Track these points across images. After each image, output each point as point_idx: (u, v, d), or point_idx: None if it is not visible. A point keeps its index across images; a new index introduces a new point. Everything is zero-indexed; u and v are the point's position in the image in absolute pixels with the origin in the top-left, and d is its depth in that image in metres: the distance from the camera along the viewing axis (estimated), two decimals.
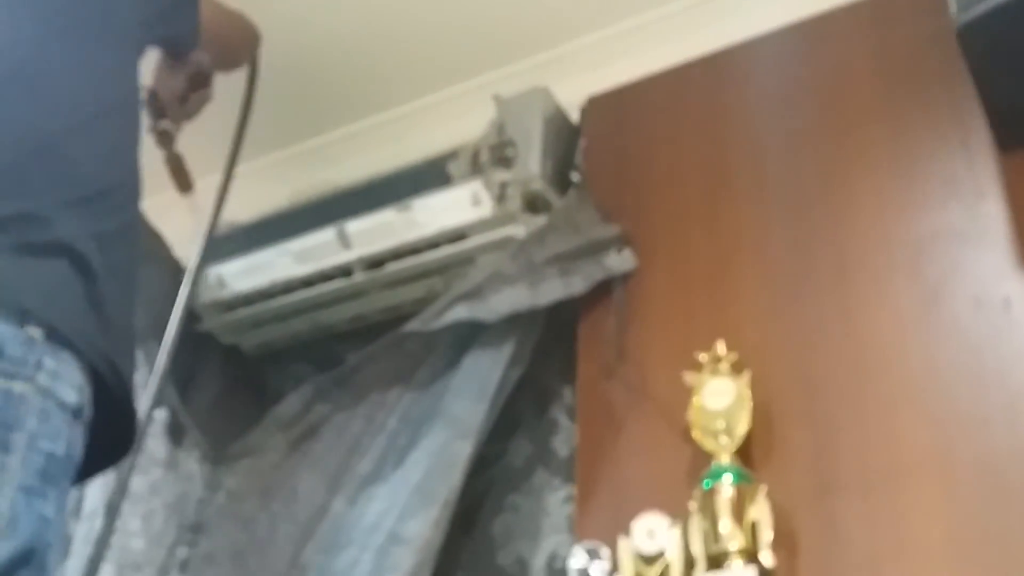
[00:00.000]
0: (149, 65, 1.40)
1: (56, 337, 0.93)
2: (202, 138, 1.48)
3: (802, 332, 1.32)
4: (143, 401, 1.32)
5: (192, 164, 1.49)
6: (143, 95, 1.39)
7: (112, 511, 1.36)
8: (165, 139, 1.44)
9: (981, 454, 1.17)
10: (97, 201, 1.03)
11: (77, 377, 0.94)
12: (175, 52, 1.36)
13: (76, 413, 0.94)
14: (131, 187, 1.12)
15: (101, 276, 0.99)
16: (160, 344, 1.41)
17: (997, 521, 1.12)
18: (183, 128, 1.46)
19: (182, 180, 1.48)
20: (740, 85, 1.54)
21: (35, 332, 0.92)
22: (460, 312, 1.39)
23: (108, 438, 1.00)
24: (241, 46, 1.49)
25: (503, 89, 1.62)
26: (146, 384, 1.36)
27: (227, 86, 1.50)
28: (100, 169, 1.06)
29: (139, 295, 1.36)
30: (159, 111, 1.42)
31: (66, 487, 0.93)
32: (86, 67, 1.09)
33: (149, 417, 1.37)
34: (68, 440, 0.92)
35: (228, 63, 1.48)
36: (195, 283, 1.48)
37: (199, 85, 1.44)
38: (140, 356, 1.46)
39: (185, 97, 1.43)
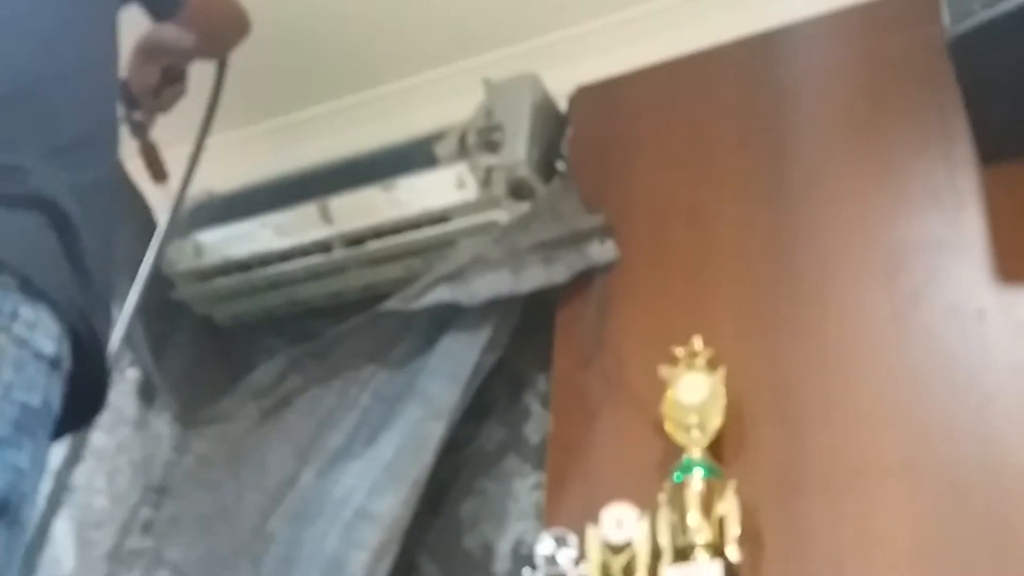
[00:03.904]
0: (123, 57, 1.38)
1: (31, 288, 0.91)
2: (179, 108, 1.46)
3: (778, 332, 1.33)
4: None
5: (168, 131, 1.46)
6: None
7: (67, 468, 1.34)
8: (138, 129, 1.42)
9: (947, 459, 1.18)
10: (74, 151, 1.01)
11: (55, 327, 0.92)
12: (159, 11, 1.33)
13: (54, 364, 0.92)
14: (109, 139, 1.10)
15: (78, 228, 0.97)
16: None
17: (960, 525, 1.14)
18: (156, 120, 1.43)
19: (157, 170, 1.46)
20: (729, 83, 1.55)
21: (10, 282, 0.89)
22: (442, 294, 1.39)
23: (80, 396, 0.99)
24: (229, 33, 1.46)
25: (493, 73, 1.62)
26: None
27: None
28: (78, 119, 1.04)
29: (117, 253, 1.35)
30: (132, 102, 1.40)
31: (43, 439, 0.92)
32: (63, 11, 1.07)
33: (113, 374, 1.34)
34: (45, 391, 0.91)
35: (212, 48, 1.45)
36: (160, 254, 1.46)
37: (173, 79, 1.42)
38: (115, 316, 1.44)
39: (158, 91, 1.41)
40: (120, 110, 1.38)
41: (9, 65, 1.01)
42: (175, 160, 1.47)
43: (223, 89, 1.50)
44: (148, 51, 1.38)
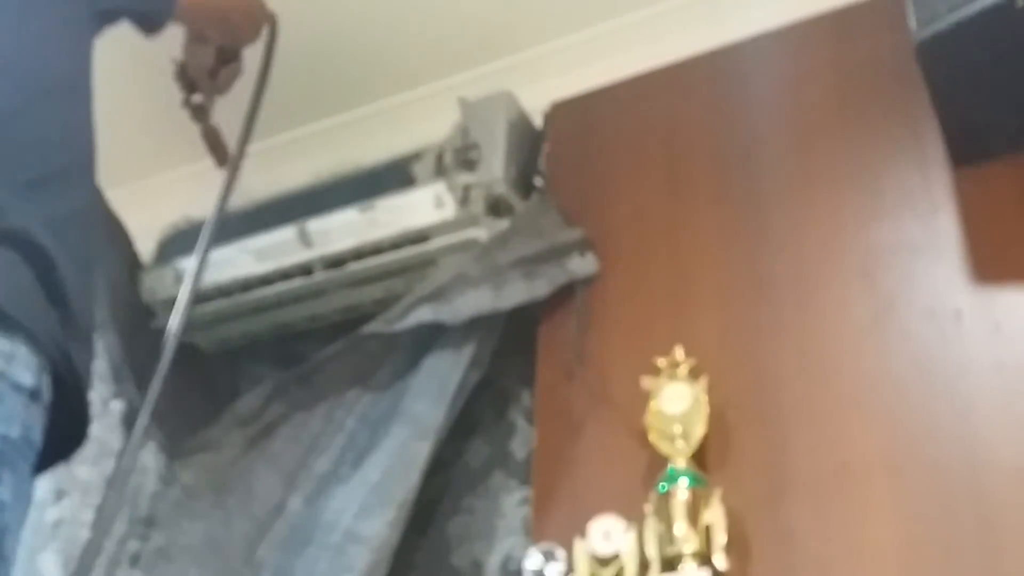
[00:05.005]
0: (178, 39, 1.40)
1: (7, 321, 0.90)
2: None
3: (758, 339, 1.34)
4: (142, 414, 1.29)
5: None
6: (174, 69, 1.42)
7: (104, 521, 1.32)
8: (199, 113, 1.44)
9: (930, 460, 1.19)
10: (49, 184, 1.01)
11: (33, 360, 0.92)
12: (145, 25, 1.31)
13: (33, 395, 0.91)
14: (85, 168, 1.09)
15: (55, 261, 0.96)
16: (115, 333, 1.39)
17: (945, 525, 1.15)
18: (216, 101, 1.46)
19: (219, 153, 1.48)
20: (702, 94, 1.56)
21: None
22: (424, 314, 1.40)
23: (60, 430, 0.98)
24: (242, 22, 1.46)
25: (468, 92, 1.63)
26: (101, 373, 1.34)
27: None
28: (51, 150, 1.03)
29: (96, 283, 1.35)
30: (190, 85, 1.42)
31: (25, 471, 0.91)
32: (33, 40, 1.06)
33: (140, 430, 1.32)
34: (24, 422, 0.90)
35: (230, 39, 1.45)
36: (201, 270, 1.43)
37: (228, 59, 1.43)
38: (97, 346, 1.44)
39: (215, 71, 1.42)
40: (179, 94, 1.42)
41: None
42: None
43: (268, 80, 1.49)
44: (197, 33, 1.39)
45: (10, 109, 1.01)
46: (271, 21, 1.52)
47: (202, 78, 1.43)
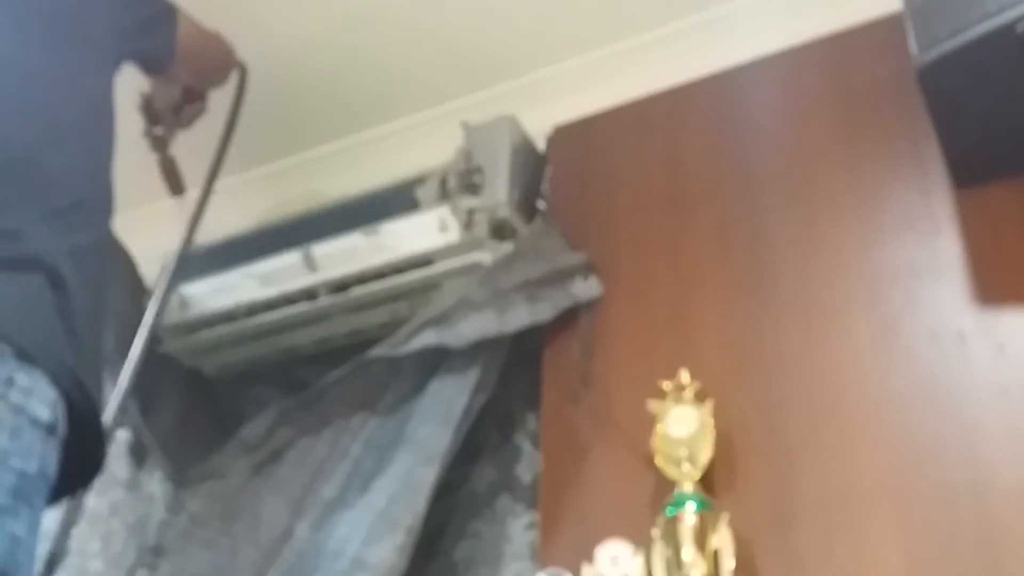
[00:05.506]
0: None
1: (27, 356, 0.91)
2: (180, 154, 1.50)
3: (763, 361, 1.35)
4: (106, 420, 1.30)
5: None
6: (139, 101, 1.46)
7: (64, 531, 1.34)
8: (159, 144, 1.48)
9: (936, 482, 1.19)
10: (72, 214, 1.03)
11: (50, 393, 0.93)
12: (151, 67, 1.36)
13: (50, 430, 0.92)
14: (105, 200, 1.12)
15: (73, 291, 0.98)
16: (124, 363, 1.40)
17: (950, 548, 1.15)
18: (176, 135, 1.50)
19: (174, 183, 1.53)
20: (703, 118, 1.57)
21: (5, 349, 0.90)
22: (428, 337, 1.40)
23: (76, 459, 0.99)
24: (214, 67, 1.50)
25: (471, 116, 1.64)
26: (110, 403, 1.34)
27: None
28: (75, 181, 1.05)
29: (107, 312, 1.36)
30: (153, 118, 1.46)
31: (39, 506, 0.92)
32: (61, 76, 1.09)
33: (110, 437, 1.35)
34: (41, 457, 0.91)
35: (200, 82, 1.49)
36: (163, 302, 1.47)
37: (194, 97, 1.47)
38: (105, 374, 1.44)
39: (179, 107, 1.46)
40: (142, 124, 1.47)
41: (3, 128, 1.01)
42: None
43: (236, 126, 1.54)
44: (148, 74, 1.42)
45: (39, 139, 1.03)
46: (241, 69, 1.56)
47: (166, 113, 1.48)
